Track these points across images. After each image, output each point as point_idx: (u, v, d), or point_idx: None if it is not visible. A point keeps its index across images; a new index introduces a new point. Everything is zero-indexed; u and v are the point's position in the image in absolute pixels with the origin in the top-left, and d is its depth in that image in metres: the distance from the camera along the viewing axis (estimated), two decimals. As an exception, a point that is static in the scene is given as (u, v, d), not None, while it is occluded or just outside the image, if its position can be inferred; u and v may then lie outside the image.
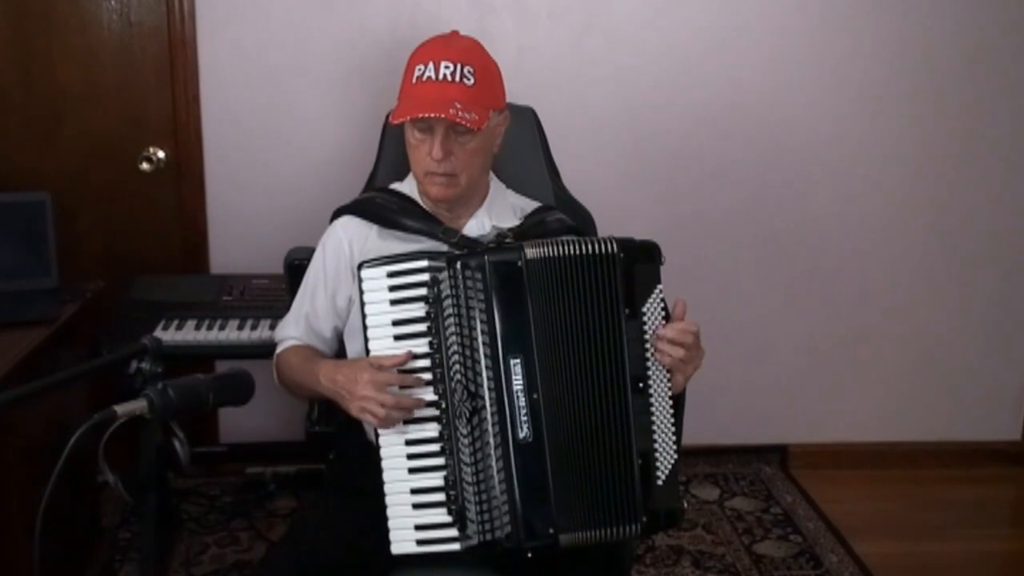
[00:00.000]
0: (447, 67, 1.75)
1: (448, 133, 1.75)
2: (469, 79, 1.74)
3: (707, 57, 3.11)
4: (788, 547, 2.94)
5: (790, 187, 3.23)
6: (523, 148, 2.17)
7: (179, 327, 2.54)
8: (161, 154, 3.02)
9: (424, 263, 1.65)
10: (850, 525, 3.03)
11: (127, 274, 2.78)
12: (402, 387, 1.65)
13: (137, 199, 3.05)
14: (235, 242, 3.06)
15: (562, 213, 1.99)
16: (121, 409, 1.31)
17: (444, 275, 1.63)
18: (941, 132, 3.24)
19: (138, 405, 1.34)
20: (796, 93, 3.16)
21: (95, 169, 3.01)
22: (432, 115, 1.71)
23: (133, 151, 3.01)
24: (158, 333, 2.47)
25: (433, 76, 1.75)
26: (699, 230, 3.22)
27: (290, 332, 1.95)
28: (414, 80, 1.77)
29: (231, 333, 2.53)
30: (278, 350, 1.96)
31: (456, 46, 1.80)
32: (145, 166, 3.01)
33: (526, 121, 2.22)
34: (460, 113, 1.70)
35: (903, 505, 3.21)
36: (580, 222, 2.04)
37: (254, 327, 2.55)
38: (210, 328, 2.54)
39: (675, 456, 1.67)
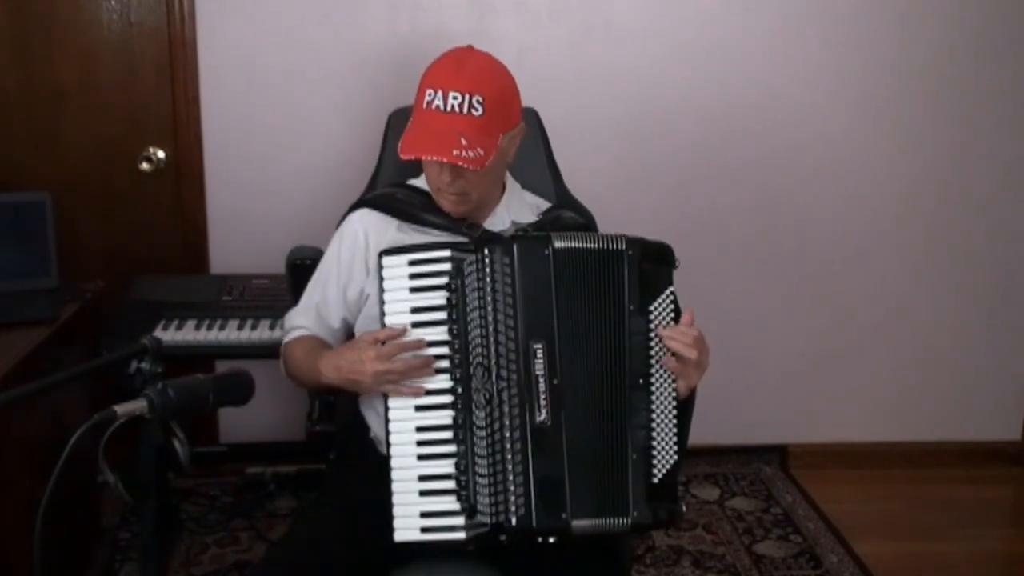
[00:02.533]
0: (455, 97, 1.71)
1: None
2: (478, 109, 1.71)
3: (708, 57, 3.11)
4: (788, 547, 2.94)
5: (790, 188, 3.23)
6: (525, 149, 2.16)
7: (179, 327, 2.54)
8: (161, 154, 3.02)
9: (447, 252, 1.67)
10: (850, 525, 3.03)
11: (127, 274, 2.78)
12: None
13: (137, 199, 3.05)
14: (235, 242, 3.06)
15: (573, 212, 2.01)
16: (121, 409, 1.31)
17: (470, 259, 1.64)
18: (942, 133, 3.24)
19: (138, 405, 1.34)
20: (796, 94, 3.16)
21: (95, 169, 3.01)
22: (432, 158, 1.72)
23: (133, 151, 3.01)
24: (158, 333, 2.47)
25: (441, 106, 1.71)
26: (699, 230, 3.21)
27: (298, 321, 1.95)
28: (424, 105, 1.74)
29: (231, 333, 2.53)
30: (285, 339, 1.96)
31: (468, 71, 1.74)
32: (145, 166, 3.01)
33: (527, 122, 2.20)
34: (464, 152, 1.68)
35: (903, 505, 3.21)
36: (583, 222, 2.05)
37: (254, 327, 2.55)
38: (210, 328, 2.54)
39: (675, 457, 1.67)
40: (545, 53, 3.04)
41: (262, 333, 2.52)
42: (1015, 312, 3.41)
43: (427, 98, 1.74)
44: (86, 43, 2.93)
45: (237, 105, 2.99)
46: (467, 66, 1.75)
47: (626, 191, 3.13)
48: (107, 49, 2.95)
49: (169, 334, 2.50)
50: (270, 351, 2.36)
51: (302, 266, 2.20)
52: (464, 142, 1.68)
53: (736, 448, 3.43)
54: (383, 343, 1.67)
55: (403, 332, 1.67)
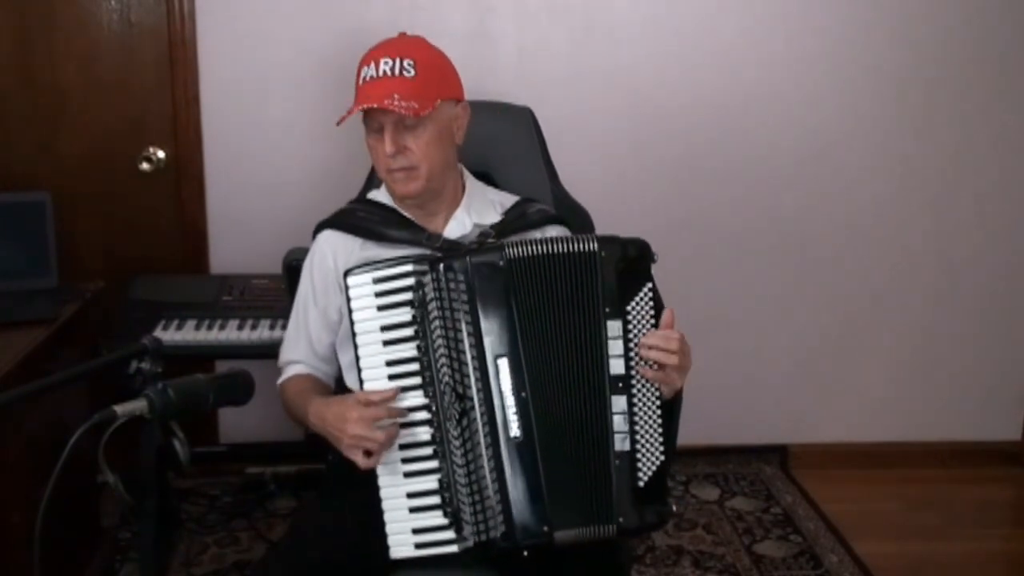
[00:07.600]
0: (386, 63, 1.78)
1: (397, 127, 1.77)
2: (409, 71, 1.77)
3: (706, 58, 3.11)
4: (788, 547, 2.94)
5: (790, 188, 3.23)
6: (521, 149, 2.18)
7: (179, 327, 2.54)
8: (161, 154, 3.02)
9: (409, 267, 1.65)
10: (850, 525, 3.03)
11: (127, 274, 2.78)
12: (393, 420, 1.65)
13: (137, 199, 3.05)
14: (235, 242, 3.06)
15: (543, 204, 1.99)
16: (121, 409, 1.31)
17: (428, 278, 1.63)
18: (940, 132, 3.24)
19: (138, 405, 1.34)
20: (795, 95, 3.16)
21: (95, 169, 3.01)
22: (367, 106, 1.75)
23: (133, 151, 3.01)
24: (158, 333, 2.47)
25: (374, 74, 1.78)
26: (697, 230, 3.21)
27: (290, 355, 1.95)
28: (360, 83, 1.81)
29: (231, 333, 2.53)
30: (280, 379, 1.96)
31: (397, 44, 1.84)
32: (145, 166, 3.01)
33: (524, 121, 2.22)
34: (398, 102, 1.72)
35: (903, 505, 3.21)
36: (577, 221, 2.04)
37: (254, 327, 2.55)
38: (210, 328, 2.55)
39: (661, 458, 1.65)
40: (545, 53, 3.04)
41: (262, 333, 2.53)
42: (1015, 312, 3.40)
43: (362, 75, 1.81)
44: (86, 43, 2.93)
45: (237, 105, 2.99)
46: (395, 42, 1.85)
47: (623, 191, 3.13)
48: (107, 49, 2.95)
49: (169, 334, 2.50)
50: (270, 351, 2.36)
51: (299, 267, 2.19)
52: (397, 96, 1.73)
53: (736, 448, 3.43)
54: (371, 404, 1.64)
55: (394, 395, 1.64)
